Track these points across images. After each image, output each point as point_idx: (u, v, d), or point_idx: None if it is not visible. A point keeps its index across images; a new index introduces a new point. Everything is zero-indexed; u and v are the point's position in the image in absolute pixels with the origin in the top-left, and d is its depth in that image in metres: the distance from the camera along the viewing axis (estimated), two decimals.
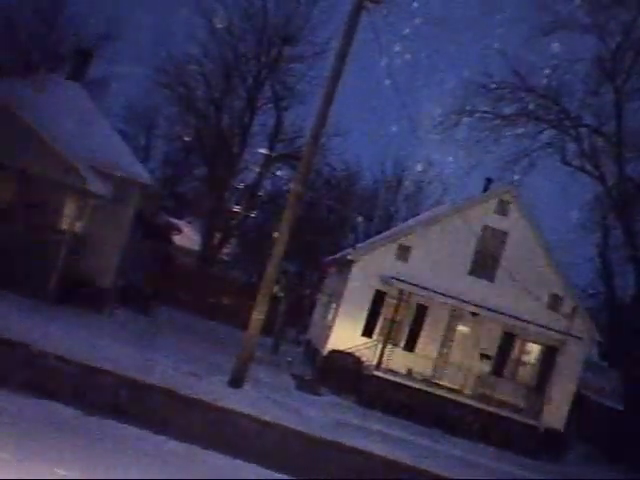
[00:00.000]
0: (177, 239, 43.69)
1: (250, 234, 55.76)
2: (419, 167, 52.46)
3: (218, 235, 48.52)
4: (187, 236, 47.01)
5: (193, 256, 47.40)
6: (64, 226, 26.02)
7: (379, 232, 44.98)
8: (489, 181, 33.26)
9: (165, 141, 58.07)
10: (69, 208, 26.22)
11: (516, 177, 36.11)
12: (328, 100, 22.02)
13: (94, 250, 27.27)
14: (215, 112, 46.56)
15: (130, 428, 14.49)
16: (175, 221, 44.20)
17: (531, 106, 37.00)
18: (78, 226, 26.59)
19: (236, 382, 21.18)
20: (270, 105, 46.90)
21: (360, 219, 50.52)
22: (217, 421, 17.94)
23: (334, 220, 51.05)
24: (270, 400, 21.27)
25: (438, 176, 53.88)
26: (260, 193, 49.85)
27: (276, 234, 45.62)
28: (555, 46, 35.52)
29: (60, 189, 25.82)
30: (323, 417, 21.61)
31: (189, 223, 56.12)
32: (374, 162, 73.71)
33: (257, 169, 48.00)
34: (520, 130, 37.03)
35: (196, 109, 46.89)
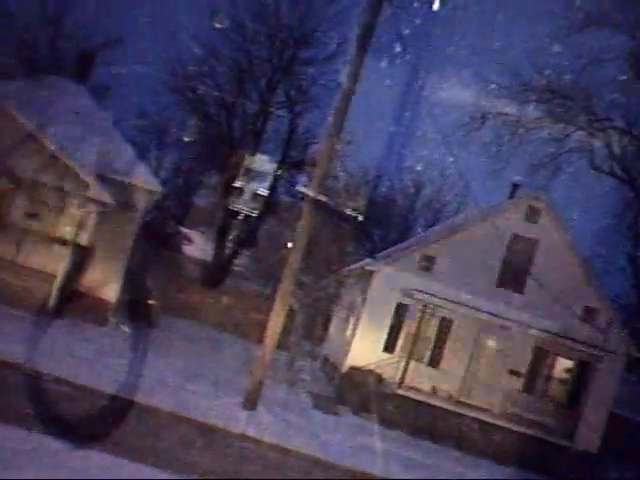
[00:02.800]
0: (188, 249, 42.13)
1: (263, 244, 54.11)
2: (438, 173, 50.67)
3: (230, 245, 46.79)
4: (198, 246, 45.33)
5: (204, 267, 45.65)
6: (65, 235, 24.39)
7: (396, 242, 43.25)
8: (516, 186, 31.49)
9: (176, 150, 56.54)
10: (71, 216, 24.61)
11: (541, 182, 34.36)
12: (346, 98, 20.31)
13: (98, 260, 25.64)
14: (226, 117, 44.85)
15: (127, 463, 12.73)
16: (186, 231, 42.55)
17: (557, 108, 35.21)
18: (81, 235, 24.95)
19: (250, 403, 19.48)
20: (283, 110, 45.20)
21: (377, 228, 48.70)
22: (229, 449, 16.24)
23: (350, 229, 49.29)
24: (286, 423, 19.56)
25: (458, 182, 51.93)
26: (273, 201, 48.11)
27: (290, 244, 44.27)
28: (583, 45, 33.78)
29: (61, 196, 24.25)
30: (344, 441, 19.88)
31: (202, 233, 54.48)
32: (391, 168, 72.00)
33: (270, 176, 46.29)
34: (546, 133, 35.27)
35: (206, 114, 45.20)
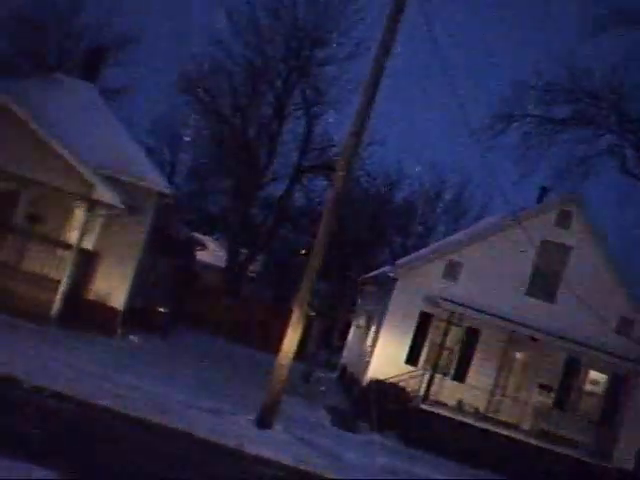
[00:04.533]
0: (201, 255, 40.75)
1: (279, 251, 52.84)
2: (460, 178, 49.13)
3: (245, 251, 45.42)
4: (212, 252, 43.97)
5: (219, 274, 44.30)
6: (70, 240, 23.05)
7: (416, 248, 41.77)
8: (544, 190, 29.95)
9: (190, 155, 55.44)
10: (76, 219, 23.27)
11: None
12: (371, 92, 18.83)
13: (105, 267, 24.34)
14: (241, 120, 43.51)
15: None
16: (199, 236, 41.18)
17: (587, 109, 33.61)
18: (86, 240, 23.62)
19: (265, 421, 17.98)
20: (300, 112, 43.78)
21: (396, 234, 47.23)
22: (242, 473, 14.78)
23: (369, 235, 47.81)
24: (304, 442, 18.04)
25: (481, 187, 50.48)
26: (290, 207, 46.73)
27: (303, 251, 42.84)
28: (613, 43, 32.22)
29: (66, 198, 22.93)
30: (366, 463, 18.35)
31: (216, 239, 53.25)
32: (411, 173, 70.40)
33: (287, 181, 44.91)
34: (575, 136, 33.64)
35: (221, 117, 43.85)
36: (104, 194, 22.92)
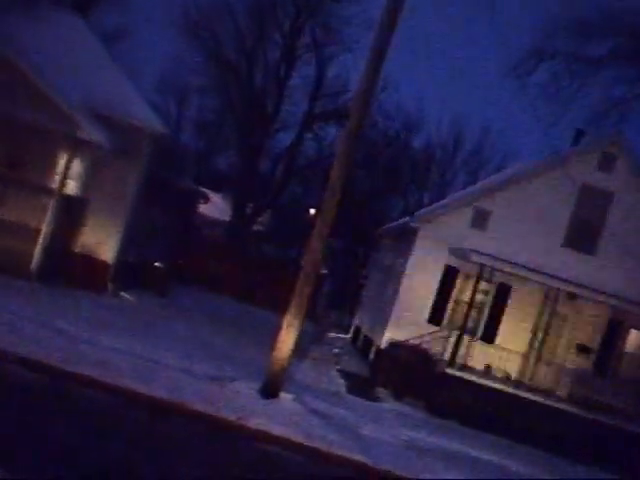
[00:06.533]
0: (205, 209, 38.16)
1: (288, 208, 50.13)
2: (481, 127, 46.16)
3: (251, 205, 42.70)
4: (216, 205, 41.26)
5: (222, 228, 41.67)
6: (53, 185, 20.43)
7: (432, 202, 39.08)
8: (580, 133, 27.07)
9: (197, 111, 52.63)
10: (60, 162, 20.62)
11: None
12: (385, 36, 15.95)
13: (93, 216, 21.77)
14: (247, 65, 40.53)
15: None
16: (203, 189, 38.44)
17: (624, 47, 30.61)
18: (72, 185, 21.04)
19: (271, 389, 15.45)
20: (310, 54, 40.67)
21: (413, 187, 44.44)
22: (241, 452, 12.28)
23: (385, 185, 44.97)
24: (317, 414, 15.53)
25: (502, 137, 47.52)
26: (299, 158, 43.91)
27: (313, 211, 40.09)
28: None
29: (48, 138, 20.25)
30: (389, 437, 15.84)
31: (221, 194, 50.56)
32: (431, 118, 66.75)
33: (296, 130, 42.02)
34: (611, 76, 30.66)
35: (225, 63, 40.86)
36: (90, 133, 20.25)
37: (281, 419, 14.00)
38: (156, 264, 26.37)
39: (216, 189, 50.22)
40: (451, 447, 16.88)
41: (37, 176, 20.60)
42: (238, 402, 14.24)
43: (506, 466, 16.81)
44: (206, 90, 45.66)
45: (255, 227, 45.18)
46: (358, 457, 13.37)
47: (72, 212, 21.21)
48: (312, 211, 40.50)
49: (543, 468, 17.87)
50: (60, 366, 12.88)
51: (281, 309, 16.31)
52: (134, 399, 12.70)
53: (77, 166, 21.02)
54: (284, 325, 15.64)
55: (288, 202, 50.48)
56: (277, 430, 13.24)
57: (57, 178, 20.38)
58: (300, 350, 21.96)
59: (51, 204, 20.10)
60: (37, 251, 19.84)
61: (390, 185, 44.57)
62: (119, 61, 26.55)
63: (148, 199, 24.62)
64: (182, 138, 53.31)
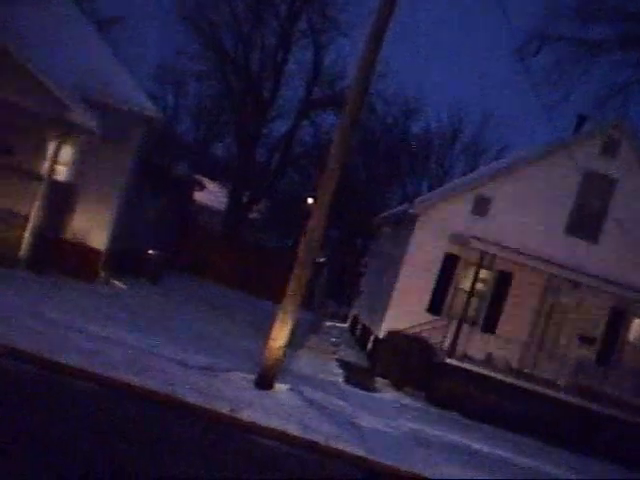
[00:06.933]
0: (201, 197, 37.59)
1: (285, 197, 49.51)
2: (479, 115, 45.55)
3: (247, 194, 42.09)
4: (212, 193, 40.66)
5: (219, 217, 41.09)
6: (43, 170, 19.85)
7: (431, 191, 38.53)
8: (582, 119, 26.52)
9: (194, 100, 51.89)
10: (49, 147, 20.03)
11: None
12: (382, 22, 15.42)
13: (84, 202, 21.18)
14: (243, 50, 39.89)
15: None
16: (199, 177, 37.86)
17: (629, 30, 30.03)
18: (62, 171, 20.49)
19: (266, 380, 14.96)
20: (307, 40, 40.00)
21: (411, 175, 43.82)
22: (233, 445, 11.77)
23: (383, 171, 44.34)
24: (314, 405, 15.03)
25: (501, 126, 46.93)
26: (296, 146, 43.26)
27: (310, 200, 39.54)
28: None
29: (38, 122, 19.64)
30: (389, 429, 15.35)
31: (218, 182, 49.90)
32: (430, 104, 65.89)
33: (293, 118, 41.38)
34: (615, 60, 30.08)
35: (222, 49, 40.20)
36: (80, 117, 19.67)
37: (276, 411, 13.51)
38: (150, 252, 25.81)
39: (213, 177, 49.64)
40: (452, 439, 16.39)
41: (26, 161, 20.01)
42: (231, 393, 13.73)
43: (508, 458, 16.34)
44: (203, 77, 45.01)
45: (252, 215, 44.61)
46: (356, 450, 12.87)
47: (62, 198, 20.64)
48: (310, 200, 39.98)
49: (545, 460, 17.36)
50: (47, 356, 12.35)
51: (277, 298, 15.81)
52: (123, 390, 12.19)
53: (67, 151, 20.48)
54: (279, 313, 15.14)
55: (285, 190, 49.89)
56: (272, 422, 12.74)
57: (47, 163, 19.82)
58: (297, 339, 21.53)
59: (40, 190, 19.54)
60: (26, 238, 19.29)
61: (388, 173, 43.97)
62: (115, 49, 26.04)
63: (142, 186, 24.10)
64: (179, 127, 52.71)
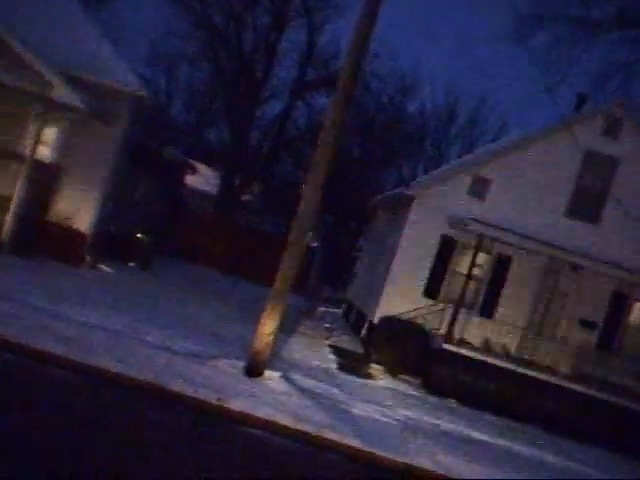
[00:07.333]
0: (192, 181, 36.89)
1: (278, 183, 48.77)
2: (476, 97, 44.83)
3: (240, 177, 41.34)
4: (205, 177, 39.92)
5: (211, 201, 40.34)
6: (25, 150, 19.13)
7: (426, 173, 37.86)
8: (582, 99, 25.79)
9: (186, 82, 51.05)
10: (32, 126, 19.32)
11: None
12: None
13: (68, 183, 20.50)
14: (236, 30, 39.05)
15: None
16: (190, 160, 37.13)
17: (628, 9, 29.32)
18: (45, 151, 19.78)
19: (256, 367, 14.33)
20: (301, 20, 39.18)
21: (406, 158, 43.08)
22: (220, 437, 11.14)
23: (378, 153, 43.57)
24: (305, 394, 14.43)
25: (497, 109, 46.18)
26: (289, 128, 42.49)
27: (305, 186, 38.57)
28: None
29: (19, 100, 18.93)
30: (384, 417, 14.73)
31: (210, 166, 49.15)
32: (425, 87, 64.78)
33: (286, 99, 40.62)
34: (614, 39, 29.36)
35: (214, 28, 39.36)
36: (64, 94, 18.94)
37: (266, 399, 12.89)
38: (139, 236, 25.12)
39: (207, 162, 48.89)
40: (449, 427, 15.78)
41: (8, 141, 19.33)
42: (220, 381, 13.10)
43: (507, 447, 15.74)
44: (195, 59, 44.23)
45: (245, 198, 43.85)
46: (350, 440, 12.24)
47: (46, 179, 19.96)
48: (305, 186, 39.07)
49: (546, 449, 16.77)
50: (23, 342, 11.70)
51: (270, 282, 15.14)
52: (103, 378, 11.54)
53: (51, 130, 19.79)
54: (270, 297, 14.50)
55: (279, 175, 49.17)
56: (261, 412, 12.11)
57: (29, 143, 19.11)
58: (290, 325, 20.94)
59: (23, 171, 18.85)
60: (8, 220, 18.63)
61: (384, 154, 43.22)
62: (106, 32, 25.23)
63: (131, 168, 23.43)
64: (172, 111, 51.87)
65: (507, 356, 21.26)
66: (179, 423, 10.98)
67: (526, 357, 21.53)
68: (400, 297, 22.02)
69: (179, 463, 9.17)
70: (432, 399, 18.62)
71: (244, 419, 11.79)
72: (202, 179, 39.11)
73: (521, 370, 20.34)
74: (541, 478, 13.89)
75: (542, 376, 20.39)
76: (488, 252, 21.58)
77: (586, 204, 22.27)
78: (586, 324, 22.23)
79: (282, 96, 41.15)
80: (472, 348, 20.83)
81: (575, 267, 21.69)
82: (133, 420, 10.39)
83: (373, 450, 12.11)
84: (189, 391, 12.00)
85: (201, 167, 39.36)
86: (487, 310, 22.23)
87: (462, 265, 21.81)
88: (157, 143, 28.32)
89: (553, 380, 20.36)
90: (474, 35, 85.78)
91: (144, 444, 9.44)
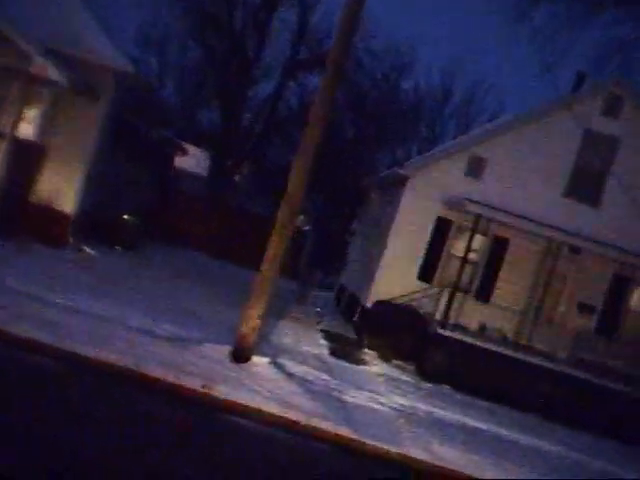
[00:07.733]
0: (182, 162, 36.12)
1: (270, 165, 47.98)
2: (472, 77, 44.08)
3: (231, 159, 40.59)
4: (195, 158, 39.15)
5: (201, 183, 39.59)
6: (5, 128, 18.40)
7: (420, 154, 37.18)
8: (581, 77, 25.14)
9: (177, 63, 50.20)
10: (12, 101, 18.57)
11: None
12: None
13: (51, 162, 19.73)
14: (226, 7, 38.22)
15: None
16: (180, 141, 36.36)
17: None
18: (26, 129, 19.03)
19: (243, 352, 13.73)
20: None
21: (400, 139, 42.36)
22: (204, 426, 10.53)
23: (371, 132, 42.80)
24: (295, 380, 13.85)
25: (493, 90, 45.42)
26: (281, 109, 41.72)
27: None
28: None
29: None
30: (378, 405, 14.15)
31: (201, 148, 48.38)
32: (420, 65, 63.71)
33: (278, 79, 39.83)
34: (614, 17, 28.69)
35: (203, 6, 38.54)
36: (45, 68, 18.16)
37: (253, 386, 12.31)
38: (125, 217, 24.41)
39: (198, 144, 48.15)
40: (444, 415, 15.23)
41: None
42: (204, 367, 12.51)
43: (505, 436, 15.19)
44: (185, 39, 43.45)
45: (236, 178, 43.10)
46: (341, 429, 11.67)
47: (27, 158, 19.23)
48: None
49: (544, 437, 16.22)
50: (1, 327, 11.08)
51: (259, 266, 14.51)
52: (82, 365, 10.93)
53: (33, 107, 19.02)
54: (257, 279, 13.89)
55: (271, 157, 48.44)
56: (248, 399, 11.55)
57: (10, 119, 18.38)
58: (280, 309, 20.34)
59: (2, 149, 18.13)
60: None
61: (377, 134, 42.45)
62: (94, 11, 24.46)
63: (117, 148, 22.69)
64: (163, 93, 50.98)
65: (504, 341, 20.72)
66: (161, 411, 10.37)
67: (523, 342, 20.97)
68: (394, 281, 21.41)
69: (160, 454, 8.57)
70: (426, 385, 18.04)
71: (230, 407, 11.23)
72: (193, 161, 38.36)
73: (518, 355, 19.77)
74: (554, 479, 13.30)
75: (539, 361, 19.82)
76: (484, 234, 20.94)
77: (586, 185, 21.66)
78: (585, 308, 21.66)
79: (274, 76, 40.43)
80: (468, 333, 20.24)
81: (574, 249, 21.11)
82: (111, 409, 9.77)
83: (366, 440, 11.54)
84: (172, 377, 11.41)
85: (192, 149, 38.60)
86: (483, 294, 21.64)
87: (458, 248, 21.18)
88: (147, 124, 27.52)
89: (550, 365, 19.79)
90: (472, 11, 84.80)
91: (122, 435, 8.83)
